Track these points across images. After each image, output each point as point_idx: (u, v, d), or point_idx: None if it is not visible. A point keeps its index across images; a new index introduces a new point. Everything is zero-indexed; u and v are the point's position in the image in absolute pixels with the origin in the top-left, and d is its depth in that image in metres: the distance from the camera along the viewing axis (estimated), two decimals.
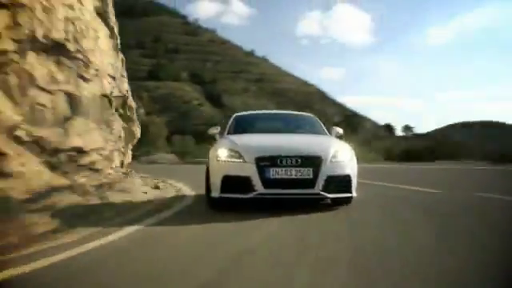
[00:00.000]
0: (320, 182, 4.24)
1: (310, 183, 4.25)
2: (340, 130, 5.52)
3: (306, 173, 4.26)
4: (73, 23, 5.85)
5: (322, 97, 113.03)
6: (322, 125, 5.77)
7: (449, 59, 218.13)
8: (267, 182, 4.20)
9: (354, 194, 4.55)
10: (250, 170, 4.25)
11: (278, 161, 4.24)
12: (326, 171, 4.29)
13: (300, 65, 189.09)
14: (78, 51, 5.89)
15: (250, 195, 4.22)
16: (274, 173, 4.23)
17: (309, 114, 6.31)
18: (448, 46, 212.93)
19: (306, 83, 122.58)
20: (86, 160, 5.87)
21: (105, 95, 6.44)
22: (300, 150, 4.36)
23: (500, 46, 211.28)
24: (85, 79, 6.01)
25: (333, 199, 4.54)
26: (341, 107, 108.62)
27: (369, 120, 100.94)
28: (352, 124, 67.28)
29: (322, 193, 4.26)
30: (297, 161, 4.26)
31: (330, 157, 4.37)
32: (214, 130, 5.51)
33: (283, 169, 4.24)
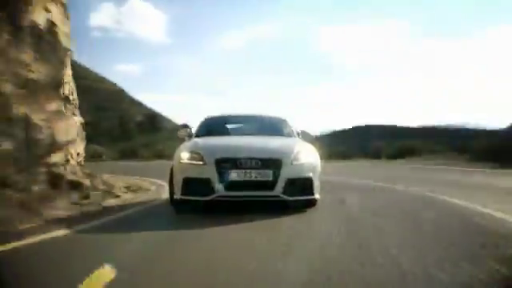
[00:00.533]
0: (280, 185, 4.24)
1: (270, 186, 4.24)
2: (312, 134, 5.65)
3: (266, 175, 4.24)
4: None
5: (123, 95, 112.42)
6: (292, 127, 5.87)
7: (243, 62, 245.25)
8: (227, 184, 4.20)
9: (317, 196, 4.51)
10: (210, 172, 4.24)
11: (238, 163, 4.24)
12: (286, 174, 4.28)
13: (95, 59, 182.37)
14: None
15: (210, 197, 4.23)
16: (234, 175, 4.22)
17: (279, 117, 6.31)
18: (242, 50, 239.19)
19: (105, 80, 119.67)
20: (79, 158, 10.41)
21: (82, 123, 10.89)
22: (260, 153, 4.38)
23: (288, 56, 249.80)
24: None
25: (294, 202, 4.45)
26: (142, 106, 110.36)
27: (169, 120, 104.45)
28: (154, 124, 69.79)
29: (282, 195, 4.26)
30: (256, 163, 4.25)
31: (291, 159, 4.37)
32: (183, 133, 5.62)
33: (243, 171, 4.23)
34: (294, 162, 4.39)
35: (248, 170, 4.23)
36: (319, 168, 4.65)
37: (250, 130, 5.99)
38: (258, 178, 4.23)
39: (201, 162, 4.35)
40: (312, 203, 4.60)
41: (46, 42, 5.85)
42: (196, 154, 4.45)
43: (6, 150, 4.95)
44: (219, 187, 4.20)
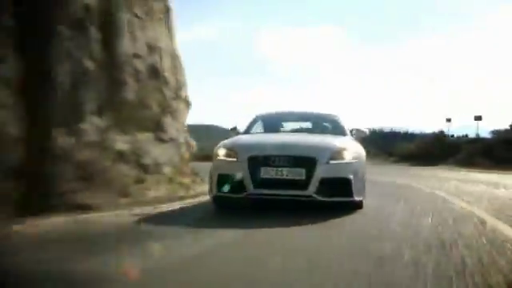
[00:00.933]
0: (314, 184, 4.19)
1: (303, 185, 4.22)
2: (366, 131, 5.63)
3: (298, 174, 4.21)
4: None
5: None
6: (343, 125, 5.72)
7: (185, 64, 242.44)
8: (258, 182, 4.28)
9: (358, 198, 4.42)
10: (243, 170, 4.32)
11: (270, 160, 4.28)
12: (320, 173, 4.22)
13: None
14: None
15: (242, 195, 4.37)
16: (265, 172, 4.26)
17: (332, 114, 6.10)
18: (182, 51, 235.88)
19: None
20: None
21: None
22: (293, 150, 4.39)
23: (230, 58, 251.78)
24: None
25: (331, 203, 4.34)
26: None
27: None
28: None
29: (315, 196, 4.21)
30: (289, 161, 4.24)
31: (328, 158, 4.28)
32: (232, 134, 5.81)
33: (274, 169, 4.24)
34: (331, 161, 4.31)
35: (280, 168, 4.24)
36: (363, 168, 4.60)
37: (298, 128, 6.05)
38: (290, 177, 4.23)
39: (235, 159, 4.48)
40: (358, 205, 4.53)
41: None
42: (231, 150, 4.61)
43: (187, 157, 10.78)
44: (250, 185, 4.28)
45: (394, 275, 2.57)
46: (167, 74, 9.97)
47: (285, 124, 6.40)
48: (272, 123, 6.22)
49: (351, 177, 4.32)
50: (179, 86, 10.58)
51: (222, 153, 4.75)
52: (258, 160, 4.37)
